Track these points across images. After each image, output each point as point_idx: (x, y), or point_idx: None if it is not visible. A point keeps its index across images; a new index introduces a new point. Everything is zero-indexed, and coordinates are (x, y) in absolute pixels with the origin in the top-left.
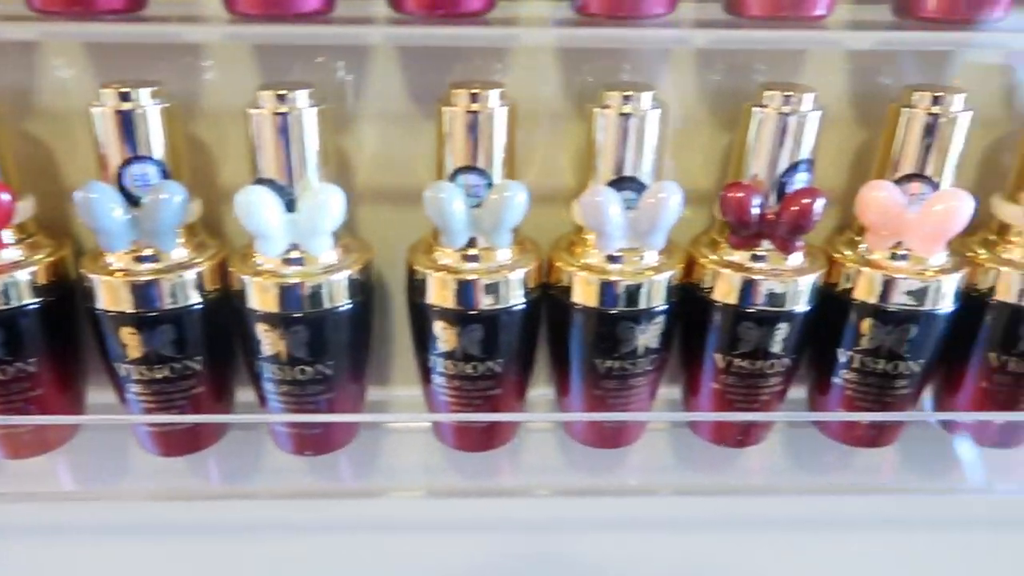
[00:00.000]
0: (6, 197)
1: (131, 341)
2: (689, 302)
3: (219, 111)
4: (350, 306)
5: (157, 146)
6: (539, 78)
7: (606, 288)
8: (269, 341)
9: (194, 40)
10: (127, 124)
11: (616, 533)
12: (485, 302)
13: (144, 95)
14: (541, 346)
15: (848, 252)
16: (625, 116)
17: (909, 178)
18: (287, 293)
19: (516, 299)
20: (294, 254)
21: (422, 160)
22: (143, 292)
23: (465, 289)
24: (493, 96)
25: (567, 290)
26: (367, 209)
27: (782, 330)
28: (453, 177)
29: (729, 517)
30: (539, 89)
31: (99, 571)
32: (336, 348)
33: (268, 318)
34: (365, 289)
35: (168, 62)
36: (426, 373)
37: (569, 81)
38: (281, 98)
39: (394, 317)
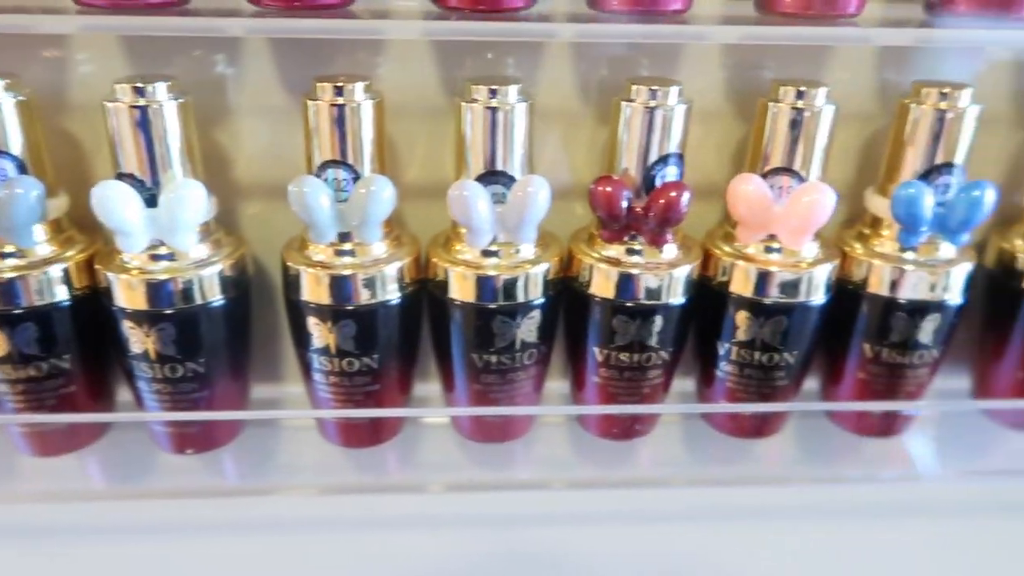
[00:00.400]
0: None
1: None
2: (569, 296)
3: (91, 105)
4: (222, 302)
5: (14, 140)
6: (419, 72)
7: (481, 283)
8: (136, 339)
9: (47, 31)
10: None
11: (509, 528)
12: (359, 297)
13: None
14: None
15: (725, 245)
16: (492, 110)
17: (777, 172)
18: (154, 290)
19: (391, 294)
20: (162, 250)
21: (302, 154)
22: (5, 289)
23: (338, 284)
24: (359, 89)
25: (444, 285)
26: (251, 204)
27: (658, 323)
28: (321, 171)
29: (623, 510)
30: (419, 83)
31: None
32: (210, 345)
33: (135, 316)
34: (239, 284)
35: (34, 55)
36: (306, 370)
37: (449, 75)
38: (139, 91)
39: (282, 313)
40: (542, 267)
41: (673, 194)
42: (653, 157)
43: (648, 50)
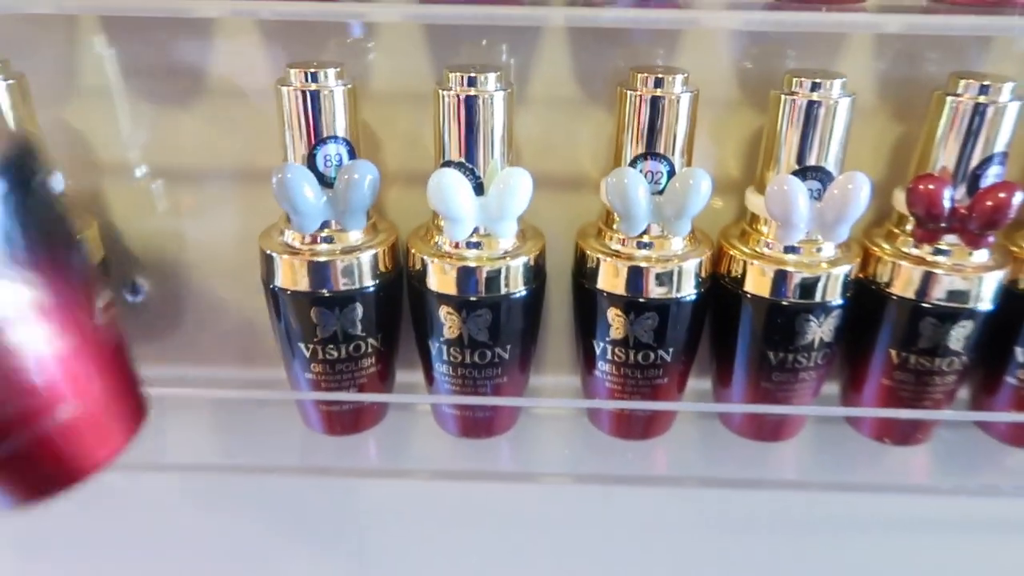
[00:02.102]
0: None
1: (317, 319)
2: (862, 295)
3: (384, 94)
4: (526, 292)
5: (342, 126)
6: (708, 64)
7: (781, 278)
8: (449, 324)
9: (374, 20)
10: (315, 104)
11: (755, 533)
12: (657, 291)
13: (330, 75)
14: None
15: None
16: (814, 104)
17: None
18: (466, 276)
19: (688, 289)
20: (473, 238)
21: (585, 146)
22: (321, 272)
23: (637, 276)
24: (678, 81)
25: (739, 280)
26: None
27: (965, 328)
28: (633, 163)
29: (886, 515)
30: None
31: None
32: (510, 332)
33: (448, 300)
34: (539, 275)
35: (337, 43)
36: (590, 360)
37: (734, 67)
38: (471, 81)
39: (550, 303)
40: (846, 267)
41: (1003, 195)
42: (977, 156)
43: (798, 43)
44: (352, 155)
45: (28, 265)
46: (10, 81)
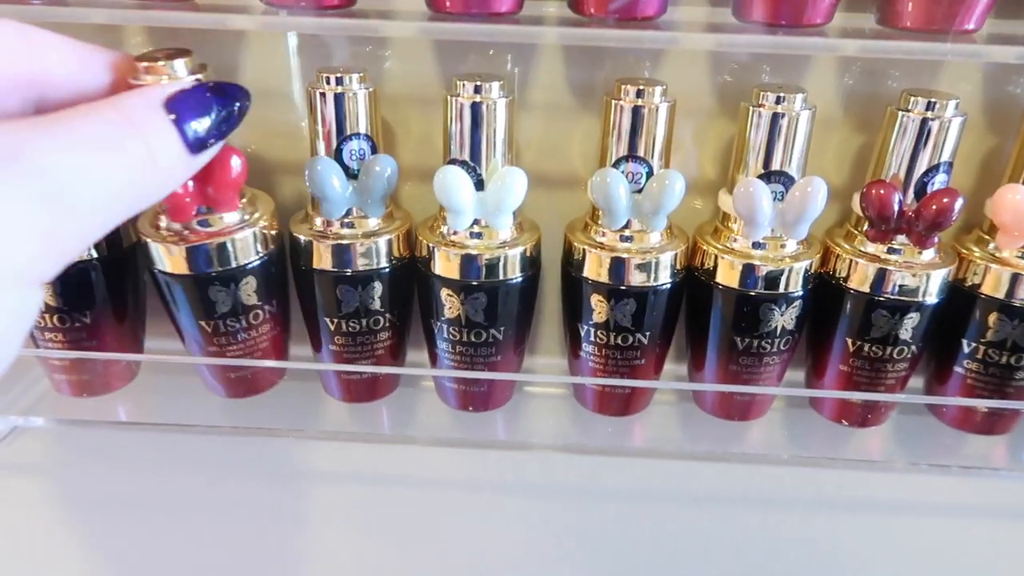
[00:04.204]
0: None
1: (341, 295)
2: (822, 289)
3: (401, 98)
4: (520, 279)
5: (365, 124)
6: (690, 77)
7: (748, 271)
8: (449, 304)
9: (389, 34)
10: (341, 105)
11: (731, 505)
12: (636, 280)
13: (354, 80)
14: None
15: (976, 250)
16: (778, 115)
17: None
18: (467, 263)
19: (664, 278)
20: (475, 228)
21: (577, 149)
22: (342, 254)
23: (618, 266)
24: (657, 92)
25: (711, 272)
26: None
27: (913, 319)
28: (616, 164)
29: (843, 489)
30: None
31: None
32: (504, 315)
33: (450, 283)
34: (534, 264)
35: (362, 53)
36: (575, 342)
37: (713, 80)
38: (477, 88)
39: (544, 291)
40: (806, 261)
41: (946, 200)
42: (924, 165)
43: (772, 59)
44: (374, 150)
45: None
46: None
